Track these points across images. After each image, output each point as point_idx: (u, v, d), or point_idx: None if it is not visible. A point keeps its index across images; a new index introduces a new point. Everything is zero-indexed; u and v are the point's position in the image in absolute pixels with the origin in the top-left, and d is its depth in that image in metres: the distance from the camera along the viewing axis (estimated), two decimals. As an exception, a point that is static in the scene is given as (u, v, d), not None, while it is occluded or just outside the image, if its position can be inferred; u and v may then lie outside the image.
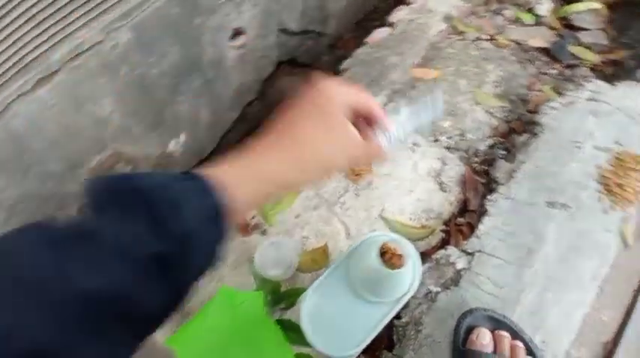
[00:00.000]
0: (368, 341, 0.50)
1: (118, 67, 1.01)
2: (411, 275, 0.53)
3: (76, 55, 0.92)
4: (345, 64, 1.05)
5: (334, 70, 1.89)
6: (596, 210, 0.69)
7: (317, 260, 0.79)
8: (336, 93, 0.36)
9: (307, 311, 0.53)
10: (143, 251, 0.23)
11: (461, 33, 1.12)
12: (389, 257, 0.51)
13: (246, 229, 0.83)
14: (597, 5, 1.28)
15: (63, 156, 1.03)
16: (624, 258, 0.65)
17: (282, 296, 0.77)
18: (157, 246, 0.24)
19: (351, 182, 0.86)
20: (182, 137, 1.40)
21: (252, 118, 1.78)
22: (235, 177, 0.29)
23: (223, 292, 0.67)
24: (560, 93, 0.90)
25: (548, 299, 0.62)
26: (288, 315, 0.73)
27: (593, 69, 1.19)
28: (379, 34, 1.07)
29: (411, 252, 0.50)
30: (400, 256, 0.51)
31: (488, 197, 0.75)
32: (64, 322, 0.21)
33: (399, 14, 1.13)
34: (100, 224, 0.24)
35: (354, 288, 0.52)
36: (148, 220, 0.24)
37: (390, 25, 1.13)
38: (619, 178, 0.70)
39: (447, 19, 1.13)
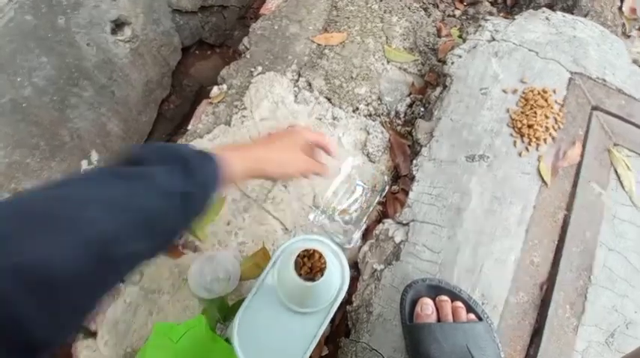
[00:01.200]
0: (308, 353, 0.48)
1: (-22, 99, 0.84)
2: (338, 278, 0.50)
3: None
4: (244, 42, 0.95)
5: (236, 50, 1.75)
6: (511, 154, 0.70)
7: (259, 264, 0.75)
8: (300, 133, 0.59)
9: (240, 332, 0.50)
10: (179, 189, 0.38)
11: (360, -14, 1.05)
12: (305, 268, 0.48)
13: (176, 251, 0.76)
14: None
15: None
16: (544, 197, 0.68)
17: (232, 310, 0.73)
18: (187, 187, 0.38)
19: (277, 174, 0.81)
20: (94, 155, 1.23)
21: (172, 115, 1.61)
22: (232, 156, 0.47)
23: (159, 330, 0.61)
24: (463, 38, 0.88)
25: (481, 253, 0.64)
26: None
27: (495, 2, 1.19)
28: (273, 1, 0.97)
29: (334, 252, 0.47)
30: (319, 263, 0.48)
31: (414, 161, 0.74)
32: (137, 228, 0.34)
33: (293, -25, 1.02)
34: (153, 170, 0.37)
35: (283, 301, 0.49)
36: (184, 171, 0.39)
37: (283, -12, 1.02)
38: (528, 119, 0.71)
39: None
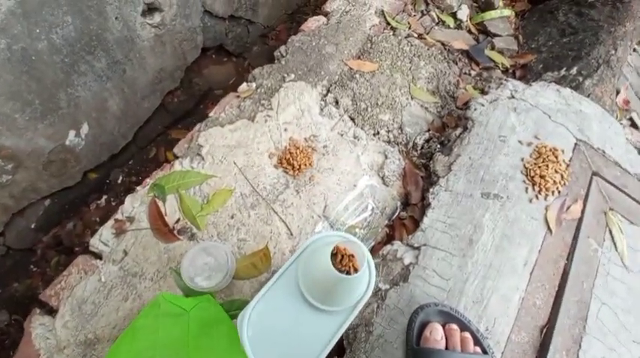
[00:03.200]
0: (324, 356, 0.44)
1: (-6, 38, 0.78)
2: (366, 278, 0.48)
3: None
4: (281, 49, 0.97)
5: (266, 62, 1.80)
6: (523, 199, 0.74)
7: (257, 265, 0.70)
8: None
9: (251, 329, 0.44)
10: None
11: (393, 29, 1.13)
12: (343, 260, 0.46)
13: (170, 234, 0.70)
14: (508, 13, 1.42)
15: None
16: (549, 243, 0.70)
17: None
18: None
19: (291, 177, 0.79)
20: (84, 128, 1.16)
21: (174, 109, 1.58)
22: None
23: (166, 298, 0.52)
24: (484, 91, 0.96)
25: (488, 287, 0.64)
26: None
27: (506, 71, 1.32)
28: (314, 22, 1.02)
29: (365, 253, 0.45)
30: (353, 264, 0.46)
31: (430, 190, 0.75)
32: None
33: (334, 4, 1.09)
34: None
35: (305, 297, 0.45)
36: None
37: (326, 14, 1.08)
38: (540, 170, 0.76)
39: (380, 13, 1.13)
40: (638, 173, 0.90)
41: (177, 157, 0.78)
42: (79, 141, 1.18)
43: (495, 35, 1.37)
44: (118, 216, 0.69)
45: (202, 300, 0.52)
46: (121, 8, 1.06)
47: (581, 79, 1.24)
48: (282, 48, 0.97)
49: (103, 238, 0.67)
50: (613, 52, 1.29)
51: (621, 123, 1.44)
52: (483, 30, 1.39)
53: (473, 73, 1.26)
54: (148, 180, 0.75)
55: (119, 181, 1.45)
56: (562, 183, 0.78)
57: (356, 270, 0.46)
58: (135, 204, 0.71)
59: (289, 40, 0.99)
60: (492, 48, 1.33)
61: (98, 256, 0.67)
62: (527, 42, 1.38)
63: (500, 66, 1.30)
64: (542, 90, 0.92)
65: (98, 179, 1.37)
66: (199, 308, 0.49)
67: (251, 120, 0.83)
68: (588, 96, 1.21)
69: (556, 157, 0.79)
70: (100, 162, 1.30)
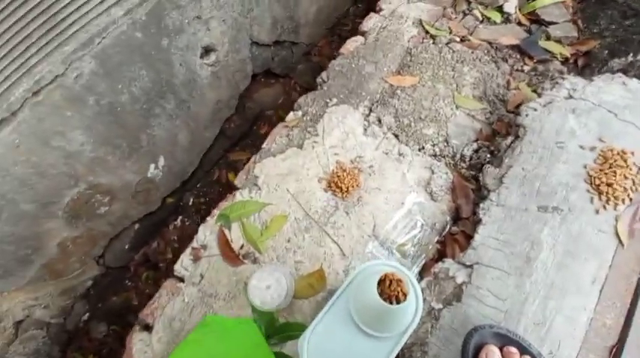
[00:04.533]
0: (376, 379, 0.48)
1: (84, 97, 0.96)
2: (413, 306, 0.50)
3: (38, 91, 0.87)
4: (322, 76, 1.03)
5: (311, 78, 1.87)
6: (588, 211, 0.69)
7: (314, 285, 0.77)
8: None
9: (309, 353, 0.50)
10: None
11: (433, 37, 1.12)
12: (391, 285, 0.49)
13: (236, 259, 0.80)
14: (563, -2, 1.30)
15: (34, 195, 0.98)
16: (620, 257, 0.65)
17: (278, 330, 0.73)
18: None
19: (340, 199, 0.84)
20: (161, 161, 1.35)
21: (232, 134, 1.73)
22: None
23: (210, 319, 0.62)
24: (537, 93, 0.90)
25: (551, 307, 0.61)
26: (284, 349, 0.70)
27: (566, 62, 1.21)
28: (352, 43, 1.06)
29: (412, 281, 0.47)
30: (401, 288, 0.49)
31: (481, 205, 0.74)
32: None
33: (370, 22, 1.11)
34: None
35: (357, 324, 0.50)
36: None
37: (363, 34, 1.11)
38: (607, 177, 0.70)
39: (418, 23, 1.12)
40: None
41: (237, 188, 0.88)
42: (157, 172, 1.37)
43: (550, 23, 1.26)
44: (194, 244, 0.81)
45: (243, 322, 0.60)
46: (184, 55, 1.21)
47: (655, 63, 1.09)
48: (324, 74, 1.03)
49: (184, 264, 0.79)
50: (690, 28, 1.11)
51: None
52: (536, 20, 1.29)
53: (526, 68, 1.18)
54: (215, 210, 0.86)
55: (190, 203, 1.64)
56: (634, 188, 0.71)
57: (404, 295, 0.49)
58: (206, 233, 0.82)
59: (329, 64, 1.04)
60: (548, 38, 1.23)
61: (181, 280, 0.79)
62: (587, 27, 1.25)
63: (558, 56, 1.20)
64: (606, 86, 0.84)
65: (174, 203, 1.56)
66: (239, 330, 0.56)
67: (300, 148, 0.90)
68: (666, 81, 1.06)
69: (625, 161, 0.72)
70: (174, 188, 1.49)
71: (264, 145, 0.94)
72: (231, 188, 0.91)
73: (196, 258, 0.78)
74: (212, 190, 1.69)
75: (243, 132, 1.75)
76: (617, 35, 1.21)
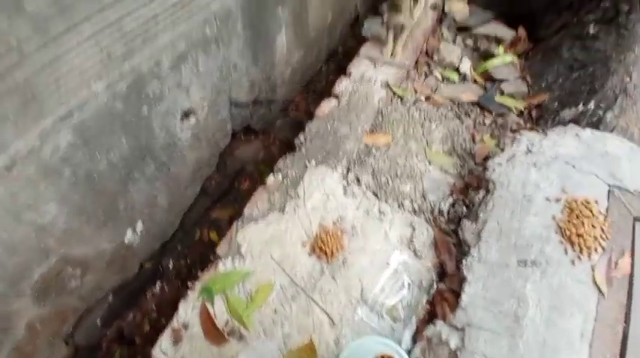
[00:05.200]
0: None
1: (60, 169, 0.94)
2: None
3: (12, 166, 0.85)
4: (300, 138, 1.07)
5: (289, 133, 1.93)
6: (564, 263, 0.72)
7: (303, 358, 0.73)
8: None
9: None
10: None
11: (400, 97, 1.20)
12: None
13: (221, 337, 0.75)
14: (510, 58, 1.46)
15: (3, 273, 0.91)
16: (603, 307, 0.66)
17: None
18: None
19: (325, 263, 0.83)
20: (139, 225, 1.30)
21: (213, 192, 1.72)
22: None
23: None
24: (500, 148, 0.97)
25: (544, 368, 0.61)
26: None
27: (521, 114, 1.32)
28: (327, 105, 1.12)
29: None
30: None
31: (464, 261, 0.76)
32: None
33: (342, 85, 1.20)
34: None
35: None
36: None
37: (336, 96, 1.18)
38: (576, 227, 0.74)
39: (386, 85, 1.21)
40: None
41: (219, 258, 0.86)
42: (135, 237, 1.32)
43: (502, 80, 1.40)
44: (174, 323, 0.76)
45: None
46: (164, 120, 1.23)
47: (601, 112, 1.21)
48: (301, 136, 1.07)
49: (163, 348, 0.74)
50: (628, 79, 1.26)
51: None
52: (489, 78, 1.42)
53: (487, 121, 1.28)
54: (196, 282, 0.83)
55: (170, 266, 1.57)
56: (603, 237, 0.75)
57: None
58: (188, 310, 0.78)
59: (306, 127, 1.09)
60: (502, 93, 1.36)
61: (160, 364, 0.73)
62: (536, 82, 1.39)
63: (514, 109, 1.31)
64: (560, 139, 0.92)
65: (152, 268, 1.49)
66: None
67: (281, 212, 0.90)
68: (612, 130, 1.17)
69: (590, 210, 0.76)
70: (153, 251, 1.43)
71: (245, 210, 0.94)
72: (214, 249, 0.89)
73: (177, 340, 0.73)
74: (193, 251, 1.63)
75: (224, 189, 1.75)
76: (565, 88, 1.35)
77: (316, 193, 0.92)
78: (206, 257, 1.52)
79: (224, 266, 0.83)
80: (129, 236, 1.27)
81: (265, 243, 0.85)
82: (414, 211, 0.91)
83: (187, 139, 1.38)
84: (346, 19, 2.26)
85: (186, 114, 1.35)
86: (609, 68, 1.28)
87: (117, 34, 0.94)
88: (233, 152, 1.84)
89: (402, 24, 1.21)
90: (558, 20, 1.45)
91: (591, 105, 1.25)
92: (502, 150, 0.94)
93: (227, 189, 1.78)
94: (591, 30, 1.35)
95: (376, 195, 0.94)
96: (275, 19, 1.54)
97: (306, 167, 0.98)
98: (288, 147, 1.15)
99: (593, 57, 1.32)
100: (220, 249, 0.88)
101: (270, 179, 0.99)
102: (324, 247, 0.83)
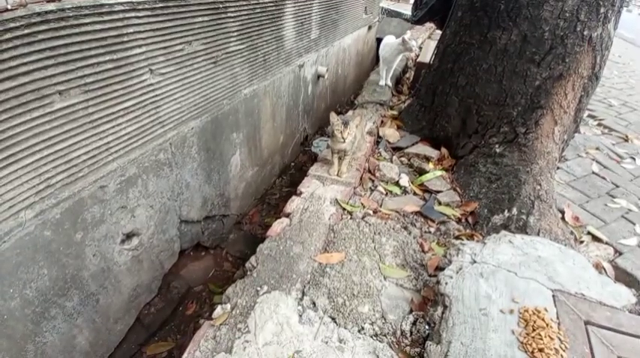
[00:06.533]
0: None
1: (-45, 314, 0.77)
2: None
3: None
4: (252, 261, 1.02)
5: (243, 247, 1.85)
6: (534, 385, 0.68)
7: None
8: None
9: None
10: None
11: (350, 213, 1.27)
12: None
13: None
14: (440, 173, 1.67)
15: None
16: None
17: None
18: None
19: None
20: (47, 379, 1.04)
21: (151, 321, 1.49)
22: None
23: None
24: (448, 259, 1.01)
25: None
26: None
27: (460, 221, 1.44)
28: (278, 224, 1.13)
29: None
30: None
31: (434, 396, 0.68)
32: None
33: (293, 205, 1.24)
34: None
35: None
36: None
37: (287, 215, 1.21)
38: (536, 342, 0.73)
39: (335, 202, 1.28)
40: (625, 305, 0.88)
41: None
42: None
43: (437, 192, 1.56)
44: None
45: None
46: (100, 245, 1.13)
47: (524, 217, 1.37)
48: (253, 258, 1.03)
49: None
50: (539, 187, 1.49)
51: (582, 241, 1.52)
52: (426, 189, 1.59)
53: (432, 229, 1.36)
54: None
55: None
56: (563, 347, 0.74)
57: None
58: None
59: (257, 249, 1.06)
60: (439, 203, 1.50)
61: None
62: (465, 192, 1.57)
63: (452, 217, 1.43)
64: (497, 247, 0.99)
65: None
66: None
67: (229, 353, 0.78)
68: (538, 232, 1.31)
69: (543, 320, 0.77)
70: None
71: (184, 356, 0.80)
72: None
73: None
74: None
75: (165, 317, 1.53)
76: (489, 196, 1.54)
77: (269, 323, 0.83)
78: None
79: None
80: (33, 394, 1.00)
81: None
82: (376, 335, 0.85)
83: (126, 263, 1.26)
84: (296, 139, 2.52)
85: (128, 236, 1.26)
86: (520, 179, 1.51)
87: (61, 162, 0.93)
88: (179, 272, 1.68)
89: (344, 149, 1.36)
90: (469, 142, 1.74)
91: (514, 211, 1.41)
92: (450, 261, 0.97)
93: (168, 317, 1.56)
94: (497, 149, 1.62)
95: (334, 319, 0.87)
96: (230, 143, 1.65)
97: (258, 294, 0.91)
98: (242, 262, 1.08)
99: (504, 170, 1.55)
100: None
101: (217, 311, 0.89)
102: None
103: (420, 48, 3.74)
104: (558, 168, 2.05)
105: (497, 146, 1.63)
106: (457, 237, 1.28)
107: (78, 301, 1.12)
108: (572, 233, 1.51)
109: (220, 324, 0.84)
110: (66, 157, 0.95)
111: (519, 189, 1.47)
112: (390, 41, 2.60)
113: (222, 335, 0.82)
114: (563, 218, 1.62)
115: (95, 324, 1.21)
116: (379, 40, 3.67)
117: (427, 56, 2.59)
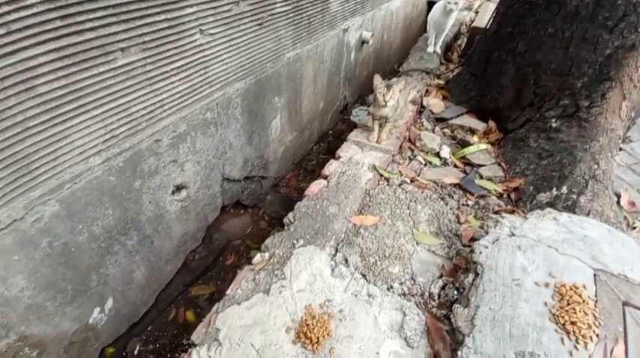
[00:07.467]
0: None
1: (37, 240, 0.91)
2: None
3: (-11, 236, 0.82)
4: (289, 216, 1.08)
5: (279, 208, 1.94)
6: (562, 353, 0.68)
7: None
8: None
9: None
10: None
11: (387, 179, 1.27)
12: None
13: None
14: (485, 146, 1.59)
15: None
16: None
17: None
18: None
19: (311, 352, 0.77)
20: (109, 302, 1.21)
21: (195, 266, 1.65)
22: None
23: None
24: (484, 230, 0.99)
25: None
26: None
27: (501, 196, 1.39)
28: (316, 185, 1.16)
29: None
30: None
31: (459, 353, 0.71)
32: None
33: (331, 167, 1.26)
34: None
35: None
36: None
37: (325, 177, 1.24)
38: (569, 315, 0.72)
39: (373, 168, 1.28)
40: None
41: (194, 345, 0.79)
42: (102, 317, 1.21)
43: (480, 165, 1.50)
44: None
45: None
46: (155, 194, 1.24)
47: (575, 196, 1.29)
48: (290, 215, 1.08)
49: None
50: (596, 166, 1.38)
51: (635, 228, 1.41)
52: (468, 163, 1.53)
53: (470, 203, 1.33)
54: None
55: (136, 352, 1.41)
56: (596, 323, 0.73)
57: None
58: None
59: (295, 206, 1.11)
60: (481, 177, 1.45)
61: None
62: (510, 167, 1.50)
63: (493, 192, 1.38)
64: (540, 222, 0.95)
65: (115, 353, 1.33)
66: None
67: (266, 293, 0.86)
68: (588, 213, 1.23)
69: (580, 296, 0.76)
70: (119, 334, 1.30)
71: (228, 291, 0.89)
72: (188, 331, 0.81)
73: None
74: (165, 333, 1.49)
75: (207, 264, 1.68)
76: (537, 173, 1.45)
77: (303, 273, 0.90)
78: (178, 341, 1.38)
79: (198, 355, 0.75)
80: (95, 315, 1.17)
81: (246, 328, 0.79)
82: (404, 294, 0.88)
83: (176, 212, 1.38)
84: (336, 106, 2.50)
85: (177, 188, 1.37)
86: (575, 157, 1.40)
87: (123, 116, 1.01)
88: (221, 226, 1.82)
89: (385, 116, 1.34)
90: (522, 115, 1.63)
91: (564, 189, 1.33)
92: (486, 233, 0.96)
93: (210, 264, 1.71)
94: (553, 124, 1.51)
95: (365, 276, 0.91)
96: (272, 106, 1.69)
97: (294, 246, 0.97)
98: (278, 222, 1.15)
99: (558, 147, 1.45)
100: (196, 335, 0.80)
101: (257, 257, 0.97)
102: (309, 333, 0.77)
103: (477, 12, 3.44)
104: (620, 148, 1.88)
105: (553, 120, 1.52)
106: (496, 212, 1.24)
107: (136, 241, 1.26)
108: (625, 218, 1.41)
109: (259, 269, 0.92)
110: (127, 111, 1.03)
111: (573, 166, 1.37)
112: (442, 4, 2.43)
113: (260, 278, 0.89)
114: (618, 202, 1.50)
115: (150, 262, 1.36)
116: (430, 4, 3.42)
117: (484, 20, 2.39)
